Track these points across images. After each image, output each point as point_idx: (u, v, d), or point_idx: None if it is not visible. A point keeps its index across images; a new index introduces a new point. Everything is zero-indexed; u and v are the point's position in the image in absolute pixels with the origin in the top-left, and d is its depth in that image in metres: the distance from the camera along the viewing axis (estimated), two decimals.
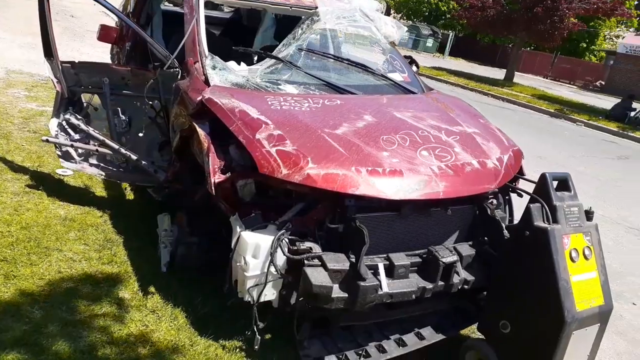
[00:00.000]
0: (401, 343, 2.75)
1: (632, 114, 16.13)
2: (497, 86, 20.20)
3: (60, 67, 3.87)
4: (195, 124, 2.92)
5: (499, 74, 25.84)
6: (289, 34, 3.76)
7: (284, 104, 3.03)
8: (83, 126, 3.87)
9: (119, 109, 3.88)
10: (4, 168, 4.25)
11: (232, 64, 3.66)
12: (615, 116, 16.10)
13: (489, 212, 2.89)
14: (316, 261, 2.43)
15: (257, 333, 2.50)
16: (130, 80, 3.82)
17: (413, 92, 3.86)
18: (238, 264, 2.49)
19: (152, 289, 3.06)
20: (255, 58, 4.11)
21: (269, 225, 2.54)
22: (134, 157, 3.71)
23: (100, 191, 4.26)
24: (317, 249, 2.48)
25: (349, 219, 2.53)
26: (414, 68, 4.37)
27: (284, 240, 2.45)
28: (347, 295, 2.40)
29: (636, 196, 7.66)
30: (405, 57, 4.45)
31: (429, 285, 2.61)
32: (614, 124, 15.18)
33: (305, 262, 2.41)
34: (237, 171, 2.68)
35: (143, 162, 3.70)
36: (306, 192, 2.60)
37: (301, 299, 2.48)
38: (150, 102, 3.72)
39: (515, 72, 24.68)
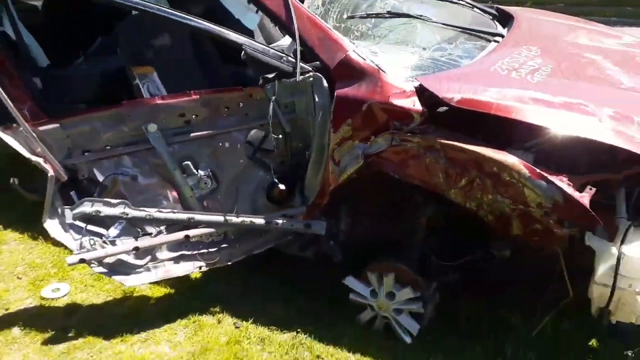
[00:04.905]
0: None
1: None
2: None
3: (34, 133, 2.20)
4: (462, 144, 1.93)
5: None
6: None
7: (526, 75, 2.15)
8: (120, 208, 2.33)
9: (189, 162, 2.40)
10: None
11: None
12: None
13: None
14: None
15: None
16: (198, 114, 2.34)
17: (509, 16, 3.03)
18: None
19: None
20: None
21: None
22: (257, 221, 2.38)
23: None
24: None
25: None
26: None
27: None
28: None
29: None
30: None
31: None
32: None
33: None
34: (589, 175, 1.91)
35: (277, 222, 2.33)
36: None
37: None
38: (249, 138, 2.39)
39: None
